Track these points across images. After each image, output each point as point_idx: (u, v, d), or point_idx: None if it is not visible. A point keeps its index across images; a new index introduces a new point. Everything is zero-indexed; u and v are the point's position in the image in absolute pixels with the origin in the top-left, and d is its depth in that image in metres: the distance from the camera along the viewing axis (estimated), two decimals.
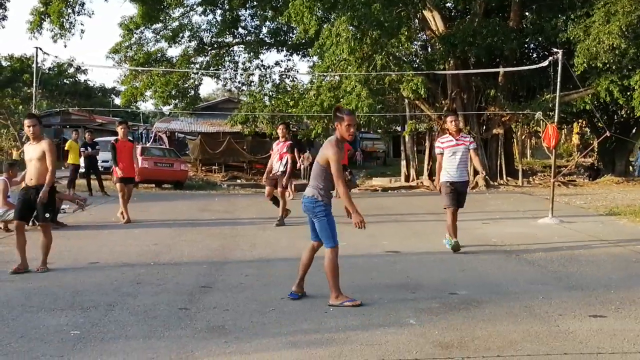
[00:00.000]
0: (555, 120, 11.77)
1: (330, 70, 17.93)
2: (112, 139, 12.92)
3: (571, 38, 16.42)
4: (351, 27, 16.14)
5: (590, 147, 26.10)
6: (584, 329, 4.64)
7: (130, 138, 12.31)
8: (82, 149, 15.99)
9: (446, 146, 8.09)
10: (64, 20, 21.12)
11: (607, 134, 14.74)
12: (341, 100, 17.36)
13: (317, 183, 5.40)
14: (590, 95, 17.67)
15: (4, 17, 25.41)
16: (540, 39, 20.38)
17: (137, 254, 7.74)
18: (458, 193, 7.98)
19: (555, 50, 12.12)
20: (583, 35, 15.76)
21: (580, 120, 27.05)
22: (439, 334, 4.54)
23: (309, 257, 5.60)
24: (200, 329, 4.65)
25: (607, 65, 15.89)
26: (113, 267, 6.90)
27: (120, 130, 11.15)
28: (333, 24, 16.89)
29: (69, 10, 21.33)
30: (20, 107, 36.21)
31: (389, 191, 20.18)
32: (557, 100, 11.77)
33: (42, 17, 21.21)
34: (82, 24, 24.40)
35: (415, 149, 23.37)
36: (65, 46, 39.70)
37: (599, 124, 21.20)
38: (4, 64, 38.39)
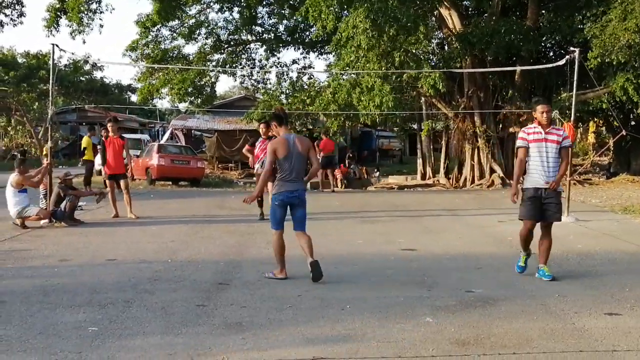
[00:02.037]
0: (572, 118, 11.69)
1: (348, 68, 17.84)
2: (131, 136, 13.08)
3: (588, 37, 16.27)
4: (368, 19, 15.98)
5: (606, 146, 25.82)
6: (599, 327, 4.64)
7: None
8: (99, 147, 16.10)
9: (533, 139, 6.32)
10: (83, 15, 21.23)
11: (623, 132, 14.57)
12: (362, 96, 17.25)
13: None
14: (606, 94, 17.50)
15: (22, 14, 25.66)
16: (557, 37, 20.19)
17: (154, 251, 7.80)
18: (542, 203, 6.25)
19: (572, 49, 12.02)
20: (599, 33, 15.63)
21: (596, 119, 26.78)
22: (455, 331, 4.55)
23: (283, 242, 6.27)
24: (218, 326, 4.68)
25: (623, 63, 15.74)
26: (130, 264, 6.95)
27: (109, 127, 11.27)
28: (348, 19, 16.77)
29: (87, 6, 21.44)
30: (36, 103, 36.55)
31: (405, 189, 20.15)
32: (573, 99, 11.68)
33: (58, 13, 21.37)
34: (100, 19, 24.52)
35: (431, 147, 23.28)
36: (84, 42, 39.83)
37: (615, 123, 20.97)
38: (20, 60, 38.88)
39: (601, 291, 5.76)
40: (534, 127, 6.41)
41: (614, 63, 15.67)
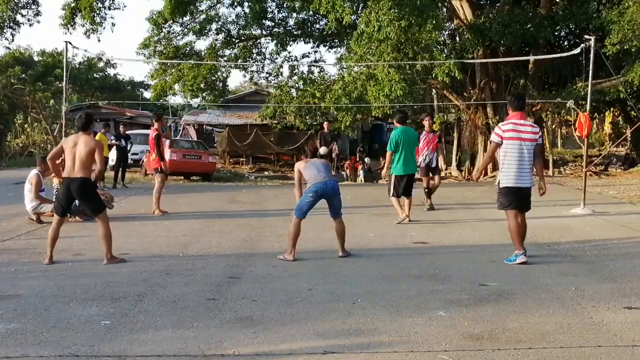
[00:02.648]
0: (587, 109, 11.49)
1: (362, 59, 17.63)
2: (143, 132, 13.09)
3: (604, 23, 15.99)
4: (392, 11, 15.72)
5: (623, 136, 25.49)
6: (618, 321, 4.54)
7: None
8: (111, 139, 16.07)
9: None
10: (95, 14, 21.33)
11: None
12: (373, 87, 17.07)
13: None
14: (623, 83, 17.23)
15: (38, 13, 25.78)
16: (571, 26, 19.92)
17: (167, 245, 7.82)
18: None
19: (587, 37, 11.81)
20: (617, 19, 15.34)
21: (613, 109, 26.43)
22: (468, 325, 4.48)
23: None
24: (229, 320, 4.67)
25: None
26: (143, 258, 6.96)
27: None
28: (370, 10, 16.51)
29: (100, 5, 21.55)
30: (52, 101, 36.91)
31: (417, 182, 20.00)
32: (589, 88, 11.48)
33: (74, 12, 21.46)
34: (112, 17, 24.66)
35: (443, 139, 23.11)
36: (99, 40, 40.07)
37: (633, 113, 20.67)
38: (36, 59, 39.24)
39: (619, 284, 5.64)
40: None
41: (633, 50, 15.39)
